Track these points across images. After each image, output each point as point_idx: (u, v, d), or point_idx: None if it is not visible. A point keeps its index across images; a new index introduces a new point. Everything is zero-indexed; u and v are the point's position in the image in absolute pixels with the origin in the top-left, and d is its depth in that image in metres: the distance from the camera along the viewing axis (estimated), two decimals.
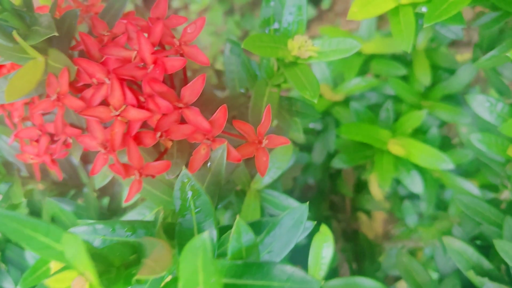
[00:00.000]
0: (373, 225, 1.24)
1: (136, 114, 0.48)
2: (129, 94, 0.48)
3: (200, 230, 0.49)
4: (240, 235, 0.45)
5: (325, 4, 1.95)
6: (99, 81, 0.49)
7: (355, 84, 1.09)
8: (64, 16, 0.55)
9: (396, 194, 1.24)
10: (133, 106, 0.48)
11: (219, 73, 1.11)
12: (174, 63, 0.48)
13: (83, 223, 0.63)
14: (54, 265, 0.56)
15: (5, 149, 0.84)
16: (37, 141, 0.71)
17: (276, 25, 0.76)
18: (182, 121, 0.50)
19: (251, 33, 1.83)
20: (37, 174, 0.75)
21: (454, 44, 1.72)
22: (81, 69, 0.49)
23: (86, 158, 0.92)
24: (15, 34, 0.49)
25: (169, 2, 1.98)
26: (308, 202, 0.49)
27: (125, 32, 0.50)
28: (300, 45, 0.70)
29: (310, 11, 1.79)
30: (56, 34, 0.46)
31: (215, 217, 0.48)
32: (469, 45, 1.71)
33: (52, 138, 0.71)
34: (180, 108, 0.48)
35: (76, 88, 0.52)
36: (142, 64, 0.49)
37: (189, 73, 1.11)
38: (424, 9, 0.72)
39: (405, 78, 1.14)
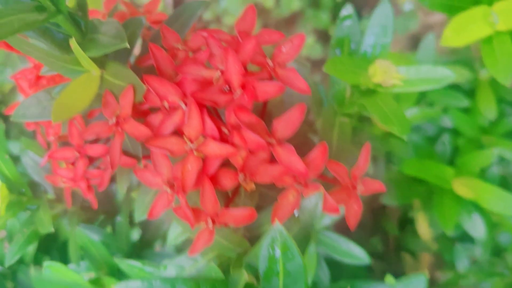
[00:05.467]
0: (418, 267, 1.13)
1: (217, 149, 0.38)
2: (210, 124, 0.38)
3: None
4: None
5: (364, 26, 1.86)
6: (171, 105, 0.40)
7: (412, 114, 0.99)
8: (126, 24, 0.46)
9: (445, 235, 1.13)
10: (214, 138, 0.38)
11: None
12: (267, 89, 0.39)
13: (135, 276, 0.53)
14: None
15: (30, 166, 0.74)
16: (73, 163, 0.61)
17: (352, 46, 0.67)
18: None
19: None
20: (68, 200, 0.65)
21: None
22: (151, 89, 0.39)
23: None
24: (73, 42, 0.39)
25: (200, 13, 1.91)
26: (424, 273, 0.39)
27: (207, 48, 0.41)
28: (384, 71, 0.60)
29: None
30: (127, 46, 0.37)
31: (307, 284, 0.38)
32: None
33: (91, 161, 0.62)
34: (271, 144, 0.39)
35: (138, 111, 0.43)
36: (227, 87, 0.40)
37: None
38: None
39: (465, 111, 1.04)
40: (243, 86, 0.39)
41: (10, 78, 0.59)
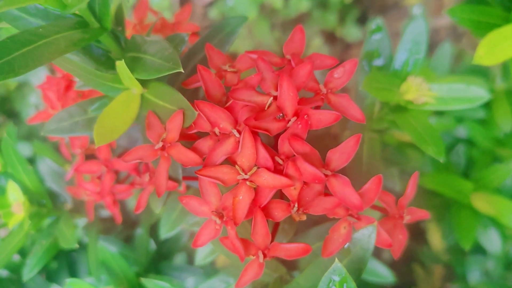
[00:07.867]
0: (429, 279, 1.13)
1: (271, 181, 0.36)
2: (263, 153, 0.37)
3: None
4: None
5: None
6: (222, 131, 0.38)
7: None
8: (167, 40, 0.44)
9: (457, 246, 1.13)
10: (268, 169, 0.37)
11: None
12: (322, 117, 0.37)
13: None
14: None
15: (47, 174, 0.72)
16: (99, 177, 0.60)
17: (380, 61, 0.66)
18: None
19: None
20: (91, 214, 0.63)
21: None
22: (202, 114, 0.37)
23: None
24: (121, 64, 0.37)
25: (206, 11, 1.88)
26: None
27: (258, 71, 0.39)
28: (417, 88, 0.59)
29: (356, 33, 1.69)
30: (182, 71, 0.35)
31: None
32: None
33: (117, 175, 0.60)
34: (326, 176, 0.37)
35: (183, 135, 0.41)
36: (281, 115, 0.38)
37: None
38: None
39: (480, 121, 1.04)
40: (296, 114, 0.38)
41: (37, 87, 0.57)
